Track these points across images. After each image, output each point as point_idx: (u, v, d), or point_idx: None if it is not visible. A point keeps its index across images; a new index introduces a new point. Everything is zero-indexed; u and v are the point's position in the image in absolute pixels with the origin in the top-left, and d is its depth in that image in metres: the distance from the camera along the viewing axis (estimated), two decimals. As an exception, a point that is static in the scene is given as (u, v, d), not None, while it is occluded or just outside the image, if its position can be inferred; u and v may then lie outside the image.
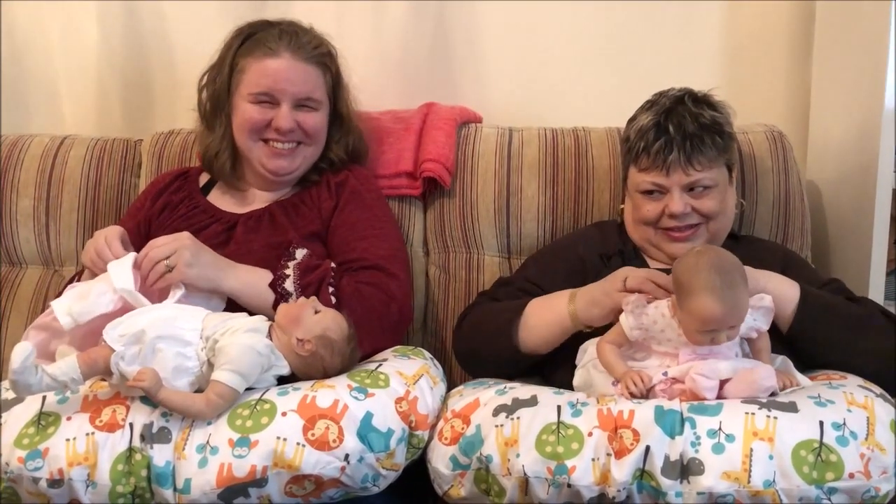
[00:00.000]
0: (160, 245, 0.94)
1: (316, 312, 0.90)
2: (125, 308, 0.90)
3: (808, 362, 0.93)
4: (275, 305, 0.97)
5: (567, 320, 0.96)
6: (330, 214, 1.11)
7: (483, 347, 1.02)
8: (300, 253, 1.03)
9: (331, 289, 0.98)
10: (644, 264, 1.08)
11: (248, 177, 1.15)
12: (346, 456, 0.81)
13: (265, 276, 0.99)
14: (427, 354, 1.00)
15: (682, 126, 1.02)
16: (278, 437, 0.80)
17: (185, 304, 0.93)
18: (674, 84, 1.11)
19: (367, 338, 0.97)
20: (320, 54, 1.11)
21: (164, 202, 1.15)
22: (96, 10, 1.49)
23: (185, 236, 0.96)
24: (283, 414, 0.82)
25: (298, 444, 0.80)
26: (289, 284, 0.98)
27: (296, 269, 1.00)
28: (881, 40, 1.18)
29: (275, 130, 1.08)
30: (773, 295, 0.91)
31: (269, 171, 1.11)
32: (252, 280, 0.99)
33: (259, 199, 1.15)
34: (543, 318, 0.98)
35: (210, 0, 1.42)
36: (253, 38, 1.09)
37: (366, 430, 0.82)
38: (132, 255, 0.94)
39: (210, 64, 1.14)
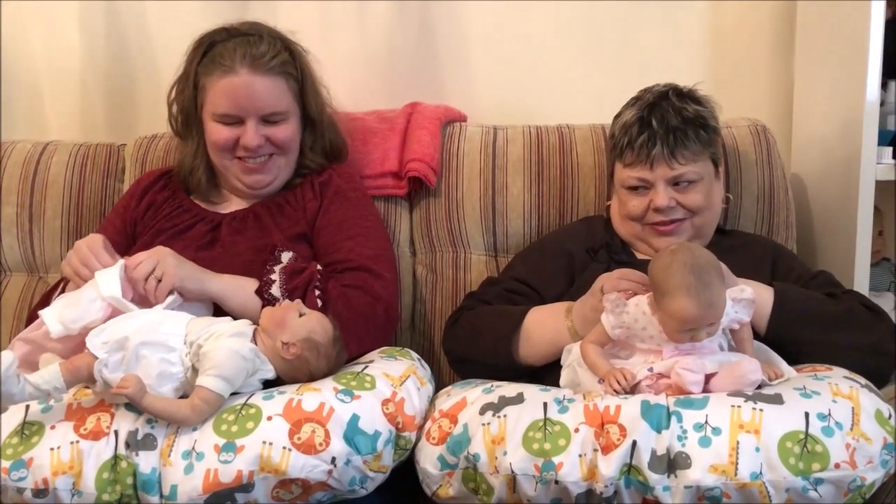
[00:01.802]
0: (141, 262, 0.93)
1: (301, 315, 0.90)
2: (115, 315, 0.89)
3: (791, 361, 0.93)
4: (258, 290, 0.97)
5: (568, 338, 0.96)
6: (315, 215, 1.10)
7: (479, 356, 1.01)
8: (286, 256, 1.02)
9: (317, 292, 0.97)
10: (631, 257, 1.08)
11: (226, 187, 1.15)
12: (333, 459, 0.80)
13: (251, 281, 0.99)
14: (414, 355, 1.00)
15: (665, 120, 1.02)
16: (264, 442, 0.80)
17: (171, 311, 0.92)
18: (657, 80, 1.11)
19: (355, 341, 0.96)
20: (281, 63, 1.07)
21: (149, 201, 1.14)
22: (78, 15, 1.48)
23: (162, 249, 0.96)
24: (269, 418, 0.81)
25: (285, 448, 0.79)
26: (275, 290, 0.97)
27: (281, 273, 0.99)
28: (862, 34, 1.18)
29: (243, 149, 1.07)
30: None
31: (247, 185, 1.11)
32: (238, 283, 0.98)
33: (242, 201, 1.14)
34: (544, 336, 0.98)
35: (193, 0, 1.41)
36: (210, 53, 1.07)
37: (352, 433, 0.82)
38: (120, 262, 0.93)
39: (176, 76, 1.13)
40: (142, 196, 1.15)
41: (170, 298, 0.92)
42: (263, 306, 0.96)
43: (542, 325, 0.99)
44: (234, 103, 1.05)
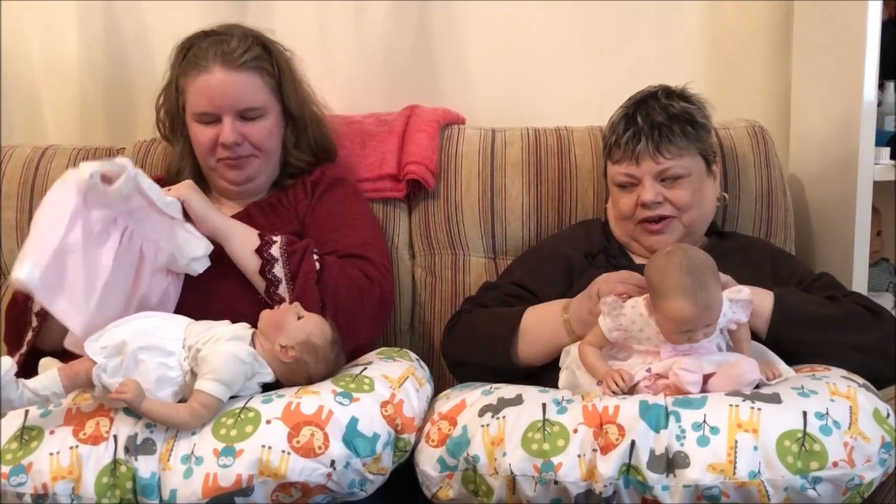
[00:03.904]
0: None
1: (299, 318, 0.90)
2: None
3: (791, 363, 0.93)
4: (260, 271, 0.99)
5: (565, 335, 0.96)
6: (305, 213, 1.10)
7: (477, 358, 1.01)
8: (278, 237, 1.03)
9: (315, 256, 0.99)
10: (629, 260, 1.09)
11: (216, 190, 1.15)
12: (332, 462, 0.80)
13: (253, 235, 1.02)
14: (413, 356, 1.00)
15: (650, 116, 1.03)
16: (263, 446, 0.80)
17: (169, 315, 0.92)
18: (655, 81, 1.11)
19: (346, 313, 0.96)
20: (253, 58, 1.06)
21: None
22: (76, 18, 1.48)
23: (188, 182, 1.03)
24: (268, 422, 0.81)
25: (284, 451, 0.80)
26: (275, 250, 0.99)
27: (282, 237, 1.01)
28: (859, 34, 1.19)
29: (221, 146, 1.07)
30: None
31: (230, 182, 1.11)
32: (244, 231, 1.02)
33: (235, 204, 1.14)
34: (542, 335, 0.98)
35: (191, 0, 1.41)
36: (188, 55, 1.08)
37: (351, 436, 0.82)
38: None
39: (164, 82, 1.14)
40: None
41: (170, 199, 0.94)
42: (262, 264, 0.98)
43: (540, 324, 0.99)
44: (210, 101, 1.06)
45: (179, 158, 1.14)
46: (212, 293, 0.99)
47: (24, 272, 0.79)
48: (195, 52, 1.07)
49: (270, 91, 1.09)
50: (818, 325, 0.95)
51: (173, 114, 1.12)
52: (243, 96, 1.06)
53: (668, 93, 1.07)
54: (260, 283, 0.99)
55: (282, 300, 0.97)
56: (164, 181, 1.17)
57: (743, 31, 1.42)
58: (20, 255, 0.82)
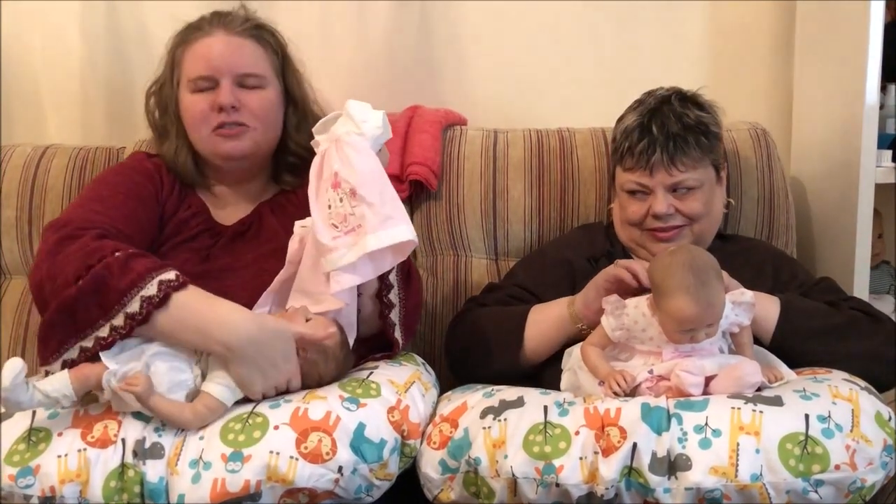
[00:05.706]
0: None
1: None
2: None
3: (792, 366, 0.94)
4: (378, 293, 0.95)
5: (567, 319, 0.96)
6: None
7: (480, 356, 1.02)
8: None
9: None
10: (632, 265, 1.09)
11: (213, 178, 1.11)
12: (340, 468, 0.81)
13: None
14: (419, 360, 1.00)
15: (665, 126, 1.03)
16: (271, 451, 0.80)
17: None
18: (657, 83, 1.12)
19: (406, 329, 0.98)
20: (254, 27, 1.05)
21: (168, 199, 1.09)
22: (78, 18, 1.47)
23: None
24: (276, 427, 0.81)
25: (292, 457, 0.80)
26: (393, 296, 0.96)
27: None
28: (861, 36, 1.19)
29: (218, 109, 1.01)
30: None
31: (222, 155, 1.04)
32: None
33: (243, 205, 1.12)
34: (540, 324, 0.98)
35: (192, 1, 1.41)
36: (187, 29, 1.07)
37: (359, 442, 0.82)
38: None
39: (157, 72, 1.12)
40: (164, 186, 1.09)
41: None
42: (380, 288, 0.94)
43: (546, 313, 0.99)
44: (208, 63, 1.02)
45: (175, 139, 1.08)
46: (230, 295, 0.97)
47: (412, 233, 0.87)
48: (196, 23, 1.06)
49: (272, 66, 1.07)
50: (822, 334, 0.95)
51: (166, 95, 1.08)
52: (243, 59, 1.03)
53: (682, 98, 1.06)
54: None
55: (390, 286, 0.95)
56: (170, 169, 1.12)
57: (745, 33, 1.42)
58: (391, 218, 0.86)
